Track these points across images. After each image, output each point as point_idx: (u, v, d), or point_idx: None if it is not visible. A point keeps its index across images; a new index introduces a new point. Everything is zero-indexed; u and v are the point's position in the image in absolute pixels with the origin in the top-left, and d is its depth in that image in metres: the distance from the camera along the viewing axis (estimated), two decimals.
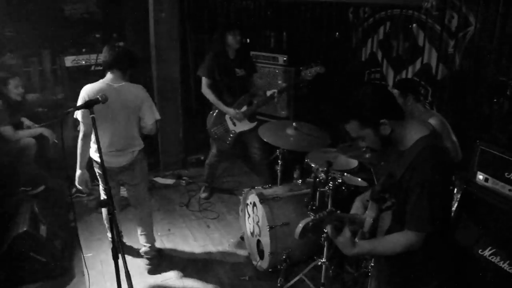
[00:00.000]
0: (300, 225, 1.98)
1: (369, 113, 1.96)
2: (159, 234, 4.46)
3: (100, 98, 2.67)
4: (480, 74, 3.46)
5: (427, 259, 2.10)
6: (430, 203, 1.91)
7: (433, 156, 1.93)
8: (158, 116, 3.57)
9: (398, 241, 1.99)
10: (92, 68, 5.20)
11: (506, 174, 2.77)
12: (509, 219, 2.73)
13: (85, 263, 3.39)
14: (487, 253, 2.84)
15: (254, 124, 4.64)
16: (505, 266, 2.71)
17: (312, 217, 1.99)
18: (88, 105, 2.58)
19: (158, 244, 4.14)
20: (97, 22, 5.59)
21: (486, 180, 2.90)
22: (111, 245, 2.51)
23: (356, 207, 2.35)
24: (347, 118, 2.01)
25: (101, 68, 5.22)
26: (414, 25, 3.98)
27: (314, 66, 4.23)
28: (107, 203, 2.42)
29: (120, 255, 2.44)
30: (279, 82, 5.18)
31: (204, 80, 4.51)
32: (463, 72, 3.60)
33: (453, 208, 3.04)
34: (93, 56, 5.16)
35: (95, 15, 5.60)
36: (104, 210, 3.82)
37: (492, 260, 2.80)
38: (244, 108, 4.53)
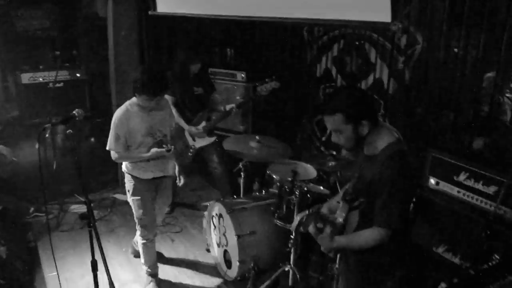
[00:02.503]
0: (297, 218, 2.28)
1: (356, 110, 2.16)
2: (124, 249, 4.47)
3: (76, 114, 2.72)
4: (427, 87, 3.76)
5: (391, 254, 2.32)
6: (397, 202, 2.14)
7: (400, 161, 2.16)
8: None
9: (369, 236, 2.20)
10: (50, 85, 5.15)
11: (454, 177, 3.05)
12: (459, 218, 3.01)
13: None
14: (440, 250, 3.09)
15: (213, 139, 4.76)
16: (456, 260, 2.97)
17: (306, 212, 2.29)
18: (64, 121, 2.64)
19: (124, 259, 4.15)
20: (53, 38, 5.54)
21: (437, 183, 3.17)
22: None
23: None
24: (333, 110, 2.18)
25: (59, 85, 5.25)
26: (365, 42, 4.26)
27: (269, 82, 4.41)
28: (88, 215, 2.46)
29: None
30: (237, 98, 5.33)
31: (168, 98, 4.59)
32: (412, 86, 3.90)
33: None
34: (52, 74, 5.12)
35: (51, 32, 5.55)
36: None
37: (445, 256, 3.05)
38: (203, 124, 4.65)
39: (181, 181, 3.95)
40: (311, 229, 2.36)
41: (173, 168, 3.89)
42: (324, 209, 2.58)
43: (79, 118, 2.75)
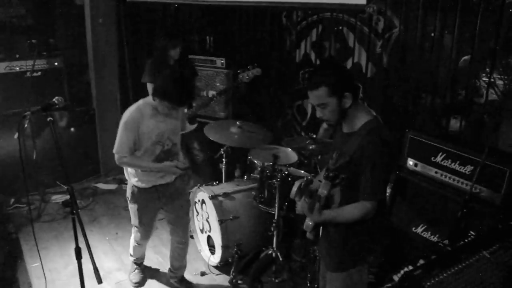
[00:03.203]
0: (297, 183, 2.44)
1: (339, 83, 2.21)
2: (107, 238, 4.47)
3: (56, 101, 2.69)
4: (405, 71, 3.82)
5: (371, 230, 2.39)
6: (380, 176, 2.23)
7: (380, 137, 2.23)
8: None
9: (355, 209, 2.28)
10: (28, 74, 5.07)
11: (432, 158, 3.12)
12: (437, 198, 3.09)
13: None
14: (419, 230, 3.18)
15: (195, 126, 4.75)
16: (435, 239, 3.05)
17: (304, 179, 2.46)
18: (44, 108, 2.61)
19: (107, 248, 4.16)
20: (29, 27, 5.43)
21: (415, 165, 3.24)
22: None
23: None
24: (318, 84, 2.22)
25: (37, 74, 5.17)
26: (344, 27, 4.29)
27: (251, 69, 4.41)
28: (70, 202, 2.46)
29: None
30: (217, 84, 5.33)
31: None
32: (390, 70, 3.95)
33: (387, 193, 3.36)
34: (29, 63, 5.03)
35: (27, 20, 5.44)
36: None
37: (424, 235, 3.14)
38: (185, 111, 4.64)
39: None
40: (300, 202, 2.46)
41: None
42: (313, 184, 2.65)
43: (59, 106, 2.72)
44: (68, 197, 2.55)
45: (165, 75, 3.09)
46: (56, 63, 5.34)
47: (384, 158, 2.22)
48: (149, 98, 3.18)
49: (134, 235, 3.68)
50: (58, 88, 5.36)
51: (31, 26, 5.43)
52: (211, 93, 4.65)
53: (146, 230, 3.58)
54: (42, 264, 3.25)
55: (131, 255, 3.85)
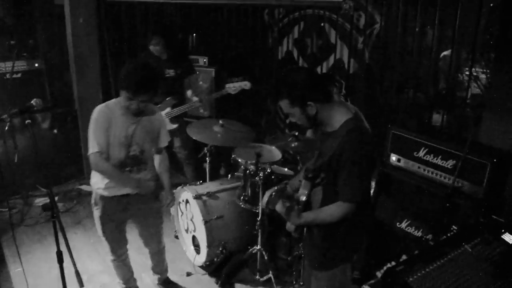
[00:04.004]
0: (266, 194, 2.50)
1: (298, 94, 2.21)
2: (91, 241, 4.41)
3: (34, 104, 2.66)
4: (387, 66, 3.82)
5: (355, 228, 2.38)
6: (359, 177, 2.20)
7: (359, 136, 2.20)
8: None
9: (335, 211, 2.26)
10: (7, 76, 4.99)
11: (415, 153, 3.12)
12: (420, 193, 3.09)
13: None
14: (403, 225, 3.18)
15: (175, 126, 4.72)
16: (419, 234, 3.06)
17: (275, 188, 2.50)
18: (22, 111, 2.58)
19: (92, 250, 4.10)
20: (6, 27, 5.33)
21: (398, 160, 3.24)
22: None
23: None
24: (278, 96, 2.25)
25: (17, 76, 5.09)
26: (326, 23, 4.29)
27: (239, 81, 4.39)
28: (50, 206, 2.41)
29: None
30: (200, 83, 5.31)
31: None
32: (372, 65, 3.96)
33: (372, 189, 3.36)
34: (8, 64, 4.95)
35: (4, 20, 5.34)
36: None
37: (408, 230, 3.14)
38: (167, 110, 4.62)
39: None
40: (278, 206, 2.42)
41: (152, 186, 3.20)
42: (288, 189, 2.64)
43: (37, 108, 2.69)
44: (48, 200, 2.54)
45: (128, 64, 2.90)
46: (36, 64, 5.26)
47: (364, 159, 2.20)
48: (121, 98, 2.95)
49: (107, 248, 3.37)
50: (39, 89, 5.28)
51: (10, 27, 5.34)
52: (195, 99, 4.63)
53: (111, 242, 3.28)
54: (23, 269, 3.19)
55: (118, 281, 3.57)
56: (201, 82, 5.32)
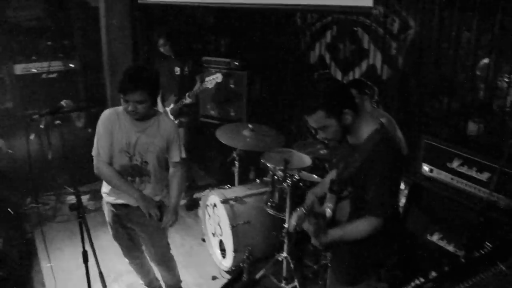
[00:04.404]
0: (294, 216, 2.35)
1: (335, 102, 2.12)
2: None
3: (64, 104, 2.70)
4: (421, 73, 3.72)
5: (383, 244, 2.30)
6: (389, 190, 2.14)
7: (389, 148, 2.14)
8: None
9: (363, 226, 2.18)
10: (44, 76, 5.12)
11: (448, 164, 3.02)
12: (452, 205, 2.99)
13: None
14: (435, 238, 3.08)
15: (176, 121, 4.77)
16: (450, 248, 2.96)
17: (303, 209, 2.35)
18: (53, 112, 2.62)
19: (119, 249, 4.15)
20: (45, 28, 5.48)
21: (431, 171, 3.14)
22: None
23: (309, 200, 2.56)
24: (313, 108, 2.12)
25: (52, 76, 5.22)
26: (357, 28, 4.20)
27: (213, 74, 4.59)
28: (77, 206, 2.45)
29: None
30: (232, 86, 5.31)
31: None
32: (406, 72, 3.86)
33: (402, 199, 3.28)
34: (45, 64, 5.08)
35: (43, 22, 5.49)
36: None
37: (439, 244, 3.04)
38: (171, 106, 4.82)
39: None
40: (305, 225, 2.33)
41: (151, 206, 2.99)
42: (309, 198, 2.56)
43: (67, 109, 2.73)
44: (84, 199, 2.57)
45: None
46: (71, 65, 5.39)
47: (393, 172, 2.14)
48: None
49: None
50: (73, 89, 5.40)
51: (48, 28, 5.49)
52: (188, 99, 4.76)
53: (122, 246, 3.32)
54: (51, 265, 3.25)
55: (141, 283, 3.62)
56: (232, 85, 5.32)
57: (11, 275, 3.71)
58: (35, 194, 5.01)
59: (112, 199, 3.07)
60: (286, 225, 3.55)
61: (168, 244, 3.36)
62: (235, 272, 3.86)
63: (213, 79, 4.57)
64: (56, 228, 4.67)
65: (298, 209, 2.50)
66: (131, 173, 2.97)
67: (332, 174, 2.58)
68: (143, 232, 3.15)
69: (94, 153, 2.94)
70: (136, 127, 2.89)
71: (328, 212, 2.24)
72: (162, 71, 4.70)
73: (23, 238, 4.44)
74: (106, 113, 2.94)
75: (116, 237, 3.26)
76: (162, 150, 2.98)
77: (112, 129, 2.88)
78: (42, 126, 4.62)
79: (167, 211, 3.10)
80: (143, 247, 3.31)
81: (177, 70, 4.82)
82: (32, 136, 4.23)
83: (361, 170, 2.14)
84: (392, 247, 2.41)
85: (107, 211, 3.17)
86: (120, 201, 3.05)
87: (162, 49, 4.80)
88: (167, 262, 3.40)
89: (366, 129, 2.19)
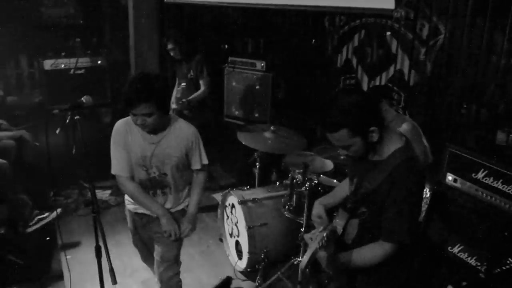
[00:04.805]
0: (308, 253, 1.95)
1: (360, 121, 1.92)
2: None
3: (84, 101, 2.71)
4: (449, 80, 3.61)
5: (398, 266, 2.16)
6: (410, 216, 1.96)
7: (413, 171, 1.96)
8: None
9: (376, 252, 2.02)
10: (71, 72, 5.22)
11: (473, 174, 2.91)
12: (476, 218, 2.87)
13: (67, 263, 3.38)
14: (456, 250, 2.97)
15: None
16: (472, 261, 2.85)
17: (317, 247, 1.96)
18: (72, 107, 2.64)
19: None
20: (76, 26, 5.60)
21: (455, 180, 3.03)
22: None
23: (317, 211, 2.38)
24: (336, 126, 1.92)
25: (80, 72, 5.31)
26: (389, 33, 4.12)
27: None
28: (92, 202, 2.45)
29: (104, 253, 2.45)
30: (257, 87, 5.29)
31: None
32: (434, 78, 3.76)
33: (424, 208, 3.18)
34: (73, 60, 5.18)
35: (74, 19, 5.61)
36: None
37: (461, 256, 2.93)
38: (173, 106, 4.86)
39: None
40: (319, 255, 2.04)
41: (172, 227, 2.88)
42: (316, 208, 2.39)
43: (87, 105, 2.74)
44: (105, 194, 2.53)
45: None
46: (99, 61, 5.47)
47: (415, 197, 1.97)
48: None
49: None
50: (100, 85, 5.48)
51: (78, 25, 5.60)
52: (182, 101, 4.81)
53: (140, 252, 3.33)
54: (65, 256, 3.27)
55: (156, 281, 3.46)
56: (258, 87, 5.29)
57: (30, 264, 3.76)
58: (58, 187, 5.09)
59: (132, 208, 3.01)
60: (302, 230, 3.49)
61: (175, 262, 3.12)
62: (222, 281, 3.81)
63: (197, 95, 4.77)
64: (77, 221, 4.73)
65: (311, 239, 2.11)
66: (151, 186, 2.86)
67: (342, 187, 2.43)
68: (157, 242, 3.03)
69: (113, 171, 2.81)
70: (150, 139, 2.73)
71: (339, 229, 2.09)
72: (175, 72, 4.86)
73: (46, 229, 4.50)
74: (117, 125, 2.79)
75: (135, 243, 3.28)
76: (181, 159, 2.81)
77: (125, 142, 2.74)
78: (67, 121, 4.71)
79: (184, 220, 2.97)
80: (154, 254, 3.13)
81: (192, 73, 4.87)
82: (57, 131, 4.28)
83: (379, 190, 1.98)
84: (408, 268, 2.27)
85: (129, 217, 3.15)
86: (140, 211, 2.98)
87: (172, 53, 4.83)
88: (168, 281, 3.09)
89: (389, 146, 2.03)
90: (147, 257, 3.30)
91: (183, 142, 2.77)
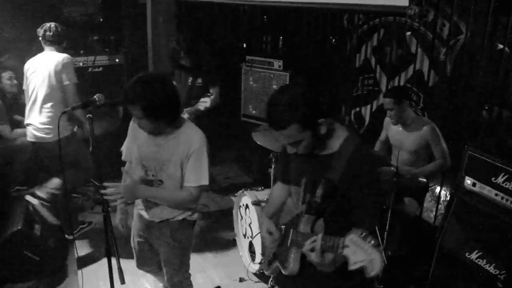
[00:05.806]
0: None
1: (309, 113, 1.86)
2: None
3: (96, 99, 2.70)
4: (470, 81, 3.52)
5: None
6: (377, 202, 2.04)
7: (369, 158, 1.97)
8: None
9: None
10: (90, 70, 5.25)
11: (493, 179, 2.81)
12: (495, 223, 2.78)
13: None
14: (474, 256, 2.88)
15: None
16: (490, 268, 2.76)
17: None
18: (84, 105, 2.63)
19: None
20: (95, 24, 5.63)
21: (473, 184, 2.94)
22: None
23: (267, 226, 2.26)
24: (285, 123, 1.85)
25: (98, 70, 5.34)
26: (409, 33, 4.04)
27: (203, 98, 4.59)
28: (102, 201, 2.44)
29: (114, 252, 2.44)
30: (274, 86, 5.24)
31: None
32: (454, 78, 3.66)
33: (441, 211, 3.10)
34: (91, 58, 5.21)
35: (94, 17, 5.65)
36: None
37: (479, 263, 2.84)
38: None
39: None
40: (313, 257, 1.87)
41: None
42: (265, 223, 2.27)
43: (99, 103, 2.73)
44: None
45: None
46: (117, 60, 5.49)
47: (377, 181, 2.00)
48: None
49: None
50: (118, 83, 5.50)
51: (98, 23, 5.64)
52: (203, 105, 4.70)
53: (135, 256, 3.09)
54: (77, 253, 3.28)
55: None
56: (275, 86, 5.25)
57: (46, 261, 3.79)
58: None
59: (139, 209, 2.88)
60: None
61: (183, 267, 2.95)
62: None
63: (203, 103, 4.65)
64: (93, 218, 4.75)
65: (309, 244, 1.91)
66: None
67: (276, 192, 2.39)
68: (159, 247, 2.89)
69: (123, 157, 2.79)
70: (153, 141, 2.57)
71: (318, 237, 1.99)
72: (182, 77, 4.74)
73: (60, 226, 4.54)
74: (132, 121, 2.71)
75: (133, 242, 3.06)
76: (179, 170, 2.56)
77: (134, 136, 2.68)
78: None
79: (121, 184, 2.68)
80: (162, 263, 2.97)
81: (190, 79, 4.75)
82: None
83: (341, 182, 1.90)
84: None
85: (134, 218, 3.02)
86: (144, 214, 2.83)
87: (183, 62, 4.72)
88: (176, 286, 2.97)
89: (338, 137, 1.98)
90: (144, 262, 3.12)
91: (185, 149, 2.51)
